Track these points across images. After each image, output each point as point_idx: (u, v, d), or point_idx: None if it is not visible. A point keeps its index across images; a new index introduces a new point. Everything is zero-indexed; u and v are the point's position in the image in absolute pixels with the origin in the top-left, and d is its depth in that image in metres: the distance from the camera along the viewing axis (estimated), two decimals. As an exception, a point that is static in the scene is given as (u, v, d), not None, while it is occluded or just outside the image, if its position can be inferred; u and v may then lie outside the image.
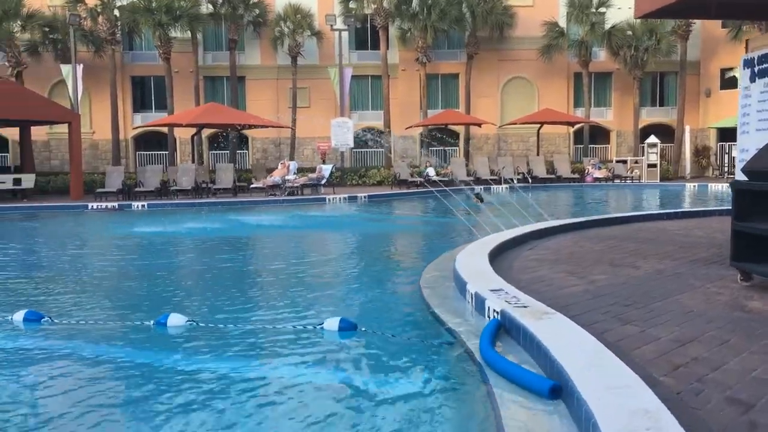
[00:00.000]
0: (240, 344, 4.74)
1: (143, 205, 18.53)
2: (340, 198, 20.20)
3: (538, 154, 31.42)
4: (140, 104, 33.11)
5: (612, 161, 31.18)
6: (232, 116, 25.16)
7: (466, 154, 32.70)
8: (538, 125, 31.48)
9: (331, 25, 30.27)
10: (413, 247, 11.34)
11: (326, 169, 23.90)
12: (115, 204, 18.59)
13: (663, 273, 6.40)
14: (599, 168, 29.28)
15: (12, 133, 28.69)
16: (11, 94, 23.06)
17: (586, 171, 29.06)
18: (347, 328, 4.87)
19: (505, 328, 4.56)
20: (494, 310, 4.80)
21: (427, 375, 3.97)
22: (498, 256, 7.81)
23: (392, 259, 9.76)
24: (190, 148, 29.98)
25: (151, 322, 5.17)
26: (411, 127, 31.52)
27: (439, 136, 32.36)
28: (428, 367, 4.11)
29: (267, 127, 26.74)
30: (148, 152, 32.61)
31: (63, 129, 26.30)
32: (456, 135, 34.37)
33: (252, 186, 23.47)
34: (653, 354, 3.71)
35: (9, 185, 23.98)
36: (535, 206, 15.74)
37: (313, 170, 25.34)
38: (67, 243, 12.00)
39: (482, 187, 25.30)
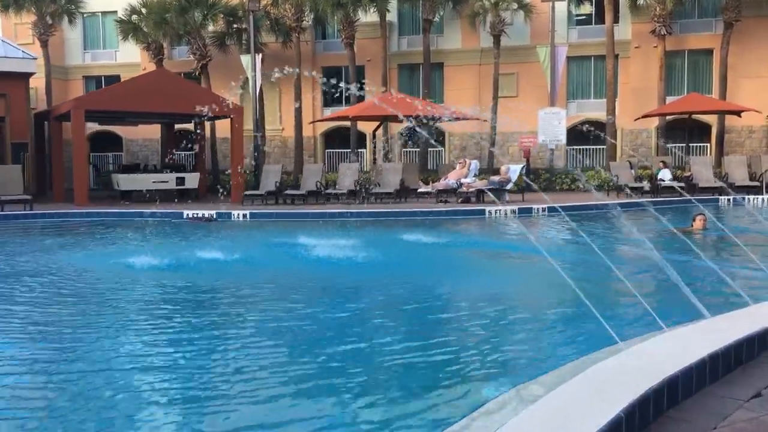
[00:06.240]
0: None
1: (244, 215, 14.91)
2: (507, 211, 14.87)
3: (826, 152, 23.17)
4: (332, 97, 30.28)
5: None
6: (401, 107, 20.90)
7: (720, 152, 25.20)
8: (827, 113, 23.19)
9: (543, -5, 24.92)
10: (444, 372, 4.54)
11: (513, 171, 18.72)
12: (213, 213, 15.09)
13: None
14: None
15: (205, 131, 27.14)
16: (166, 86, 21.17)
17: None
18: None
19: None
20: None
21: None
22: (658, 420, 2.62)
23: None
24: (380, 145, 26.57)
25: None
26: (642, 117, 24.78)
27: (682, 129, 25.35)
28: None
29: (450, 120, 22.18)
30: (337, 150, 29.75)
31: (248, 126, 24.10)
32: (706, 128, 26.88)
33: (419, 191, 19.14)
34: None
35: (172, 185, 22.26)
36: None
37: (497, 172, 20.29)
38: None
39: (731, 197, 18.35)
